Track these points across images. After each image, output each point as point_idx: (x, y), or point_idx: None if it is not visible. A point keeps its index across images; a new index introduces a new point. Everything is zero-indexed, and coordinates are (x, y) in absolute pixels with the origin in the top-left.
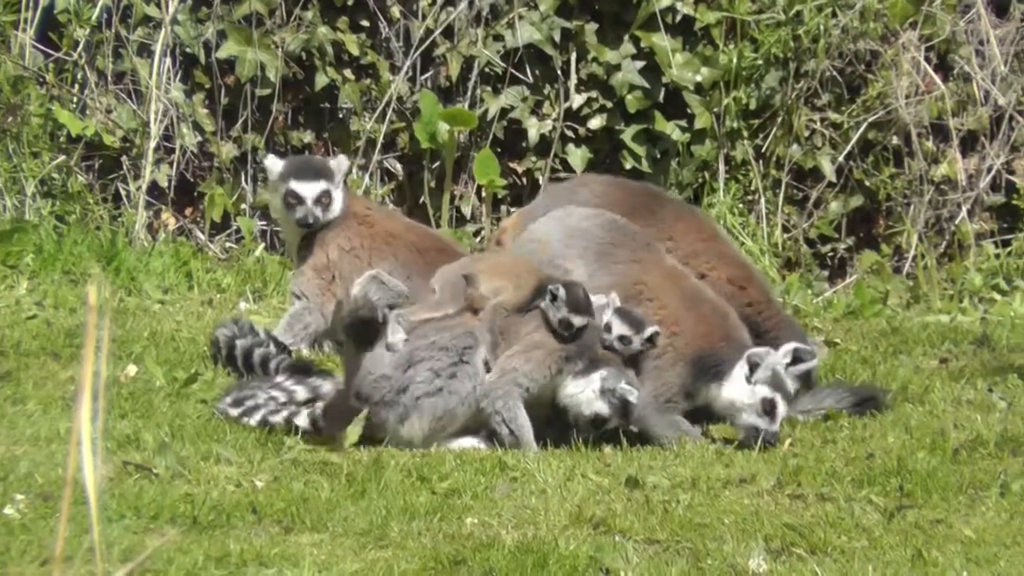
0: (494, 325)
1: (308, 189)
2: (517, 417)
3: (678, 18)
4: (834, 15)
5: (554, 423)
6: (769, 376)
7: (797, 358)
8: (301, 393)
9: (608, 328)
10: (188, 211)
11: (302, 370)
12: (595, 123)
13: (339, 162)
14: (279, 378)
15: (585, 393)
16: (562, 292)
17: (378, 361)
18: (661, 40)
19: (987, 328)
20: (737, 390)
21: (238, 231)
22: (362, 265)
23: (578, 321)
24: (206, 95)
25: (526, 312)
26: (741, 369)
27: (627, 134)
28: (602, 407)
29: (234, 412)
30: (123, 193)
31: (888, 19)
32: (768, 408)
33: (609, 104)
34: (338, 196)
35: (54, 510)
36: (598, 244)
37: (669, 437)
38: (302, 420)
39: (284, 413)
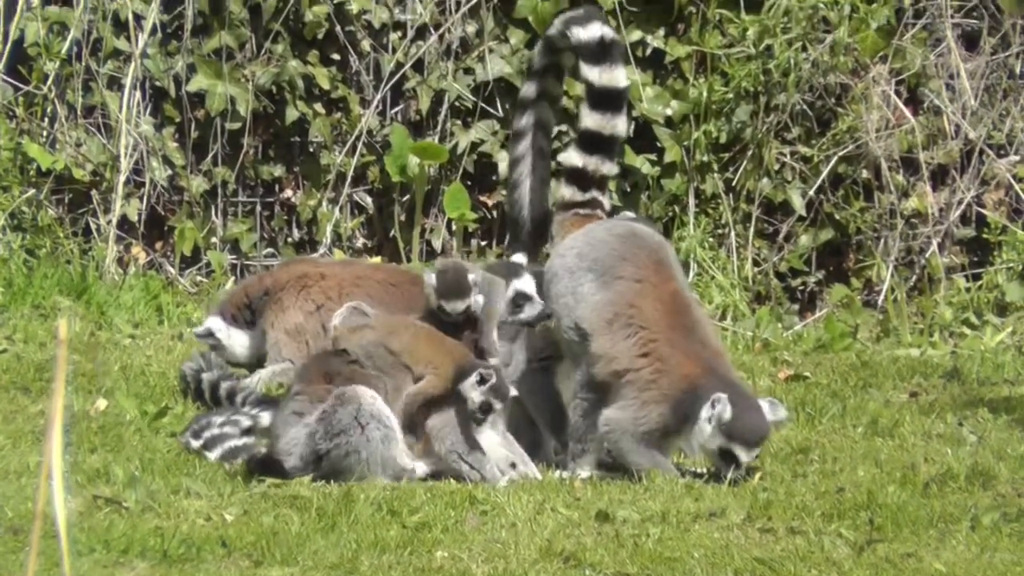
0: (411, 413)
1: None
2: (473, 449)
3: (648, 51)
4: (804, 49)
5: (523, 435)
6: (724, 424)
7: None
8: (266, 419)
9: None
10: (158, 245)
11: (270, 403)
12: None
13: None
14: (243, 408)
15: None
16: (494, 379)
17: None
18: (631, 73)
19: (957, 362)
20: (702, 432)
21: (208, 265)
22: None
23: (498, 406)
24: (176, 129)
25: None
26: (706, 411)
27: None
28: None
29: (195, 444)
30: (93, 227)
31: (858, 53)
32: (725, 457)
33: None
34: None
35: (24, 544)
36: (608, 255)
37: (642, 465)
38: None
39: (241, 441)
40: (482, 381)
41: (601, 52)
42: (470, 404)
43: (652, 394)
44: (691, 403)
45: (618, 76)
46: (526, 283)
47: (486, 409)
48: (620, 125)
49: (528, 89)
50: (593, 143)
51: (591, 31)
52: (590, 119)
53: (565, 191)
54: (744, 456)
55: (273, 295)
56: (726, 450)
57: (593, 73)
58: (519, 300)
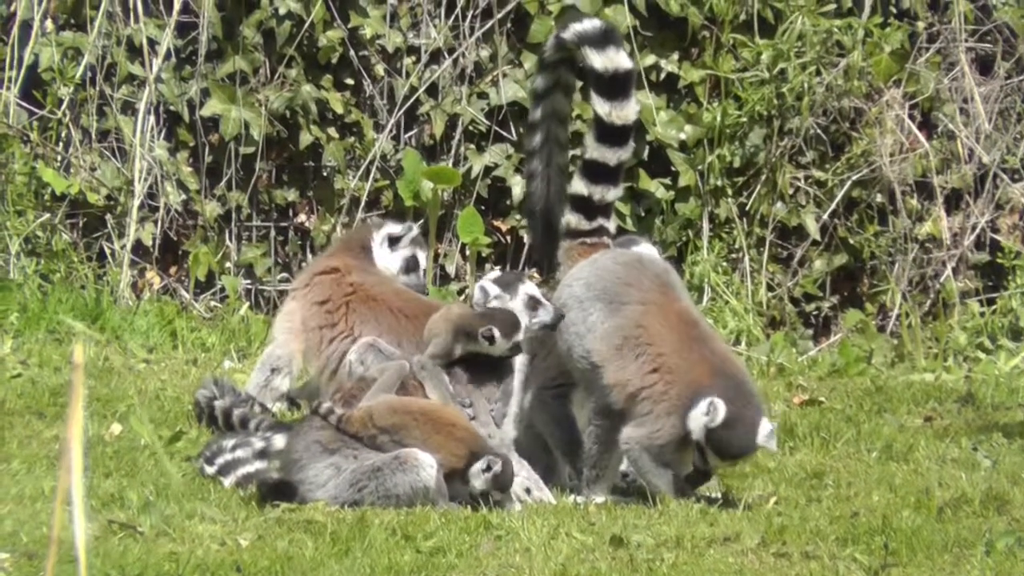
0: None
1: None
2: None
3: (662, 76)
4: (818, 73)
5: (538, 461)
6: (710, 429)
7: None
8: (280, 441)
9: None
10: (172, 270)
11: (283, 427)
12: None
13: None
14: (256, 433)
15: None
16: (498, 467)
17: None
18: (645, 98)
19: (971, 386)
20: (693, 421)
21: (223, 290)
22: (334, 320)
23: (497, 497)
24: (190, 153)
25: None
26: (703, 406)
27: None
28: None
29: (210, 470)
30: (107, 251)
31: (872, 77)
32: (699, 453)
33: None
34: None
35: (39, 569)
36: (614, 283)
37: (659, 486)
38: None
39: (254, 466)
40: (487, 469)
41: (615, 85)
42: (471, 488)
43: (664, 406)
44: (694, 401)
45: (629, 112)
46: (533, 288)
47: (484, 497)
48: (626, 154)
49: (539, 81)
50: (598, 172)
51: (606, 59)
52: (596, 151)
53: (571, 218)
54: (712, 461)
55: (304, 273)
56: (701, 448)
57: (604, 108)
58: (532, 303)
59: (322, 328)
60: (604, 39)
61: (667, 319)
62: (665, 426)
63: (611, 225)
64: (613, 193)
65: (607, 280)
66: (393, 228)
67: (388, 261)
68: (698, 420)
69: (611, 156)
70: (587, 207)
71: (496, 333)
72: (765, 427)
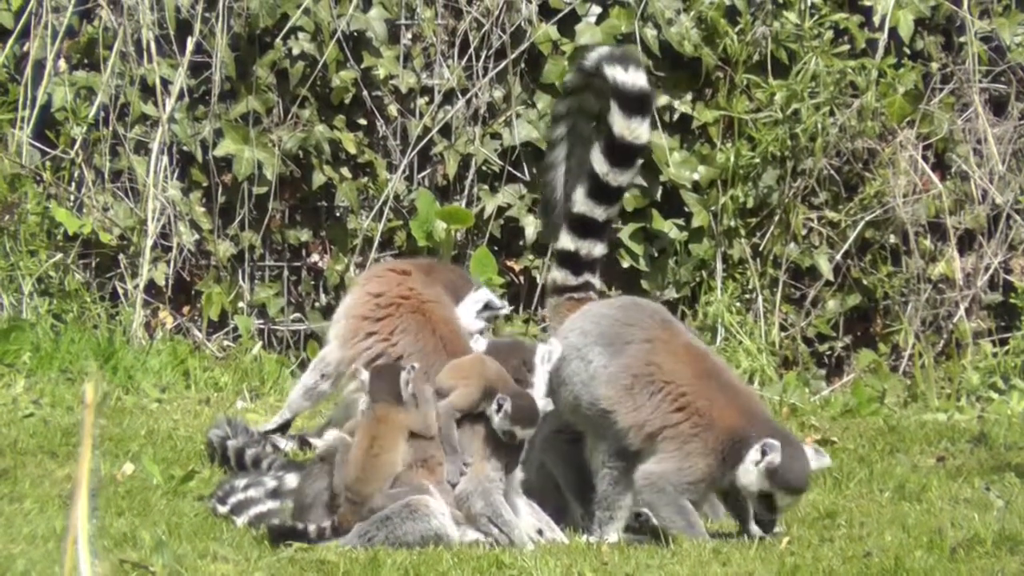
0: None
1: None
2: (502, 514)
3: (676, 116)
4: (832, 114)
5: (549, 502)
6: (771, 470)
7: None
8: (291, 480)
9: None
10: (185, 309)
11: (295, 467)
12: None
13: None
14: (268, 473)
15: None
16: (508, 404)
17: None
18: (658, 138)
19: (984, 426)
20: (747, 475)
21: (235, 329)
22: (379, 315)
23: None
24: (203, 193)
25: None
26: (755, 455)
27: (624, 232)
28: None
29: (222, 509)
30: (120, 291)
31: (886, 118)
32: (764, 500)
33: None
34: None
35: None
36: (612, 326)
37: (675, 523)
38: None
39: (267, 505)
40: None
41: (624, 154)
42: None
43: (696, 446)
44: (739, 452)
45: (625, 178)
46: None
47: (511, 436)
48: (614, 211)
49: (561, 106)
50: (586, 228)
51: (625, 126)
52: (584, 206)
53: (557, 274)
54: (782, 502)
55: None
56: (767, 494)
57: (603, 167)
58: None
59: (365, 318)
60: (639, 103)
61: (676, 354)
62: (698, 465)
63: (597, 281)
64: (599, 249)
65: (603, 325)
66: (495, 301)
67: (466, 318)
68: (752, 470)
69: (599, 212)
70: (574, 262)
71: (508, 407)
72: (808, 449)
